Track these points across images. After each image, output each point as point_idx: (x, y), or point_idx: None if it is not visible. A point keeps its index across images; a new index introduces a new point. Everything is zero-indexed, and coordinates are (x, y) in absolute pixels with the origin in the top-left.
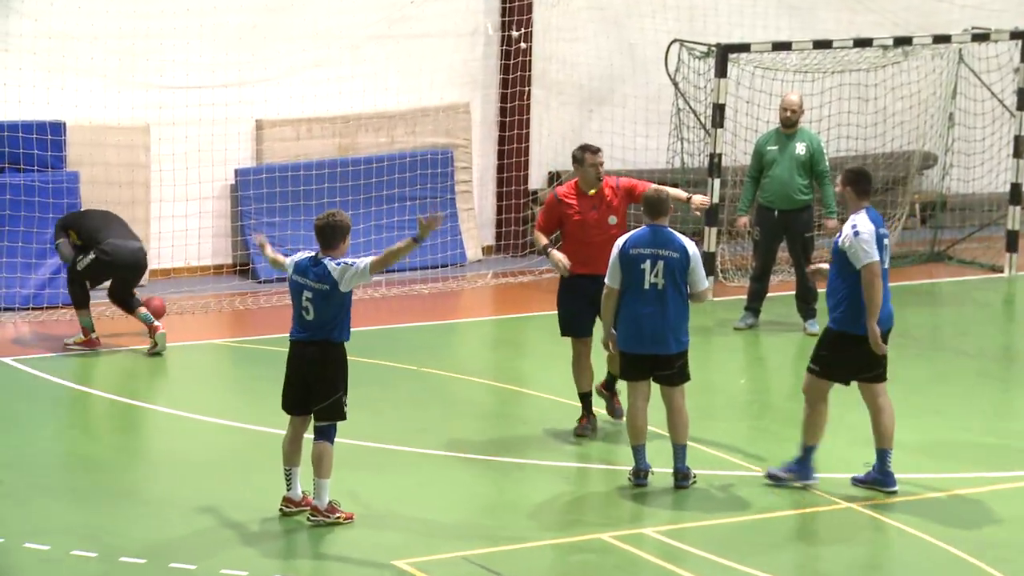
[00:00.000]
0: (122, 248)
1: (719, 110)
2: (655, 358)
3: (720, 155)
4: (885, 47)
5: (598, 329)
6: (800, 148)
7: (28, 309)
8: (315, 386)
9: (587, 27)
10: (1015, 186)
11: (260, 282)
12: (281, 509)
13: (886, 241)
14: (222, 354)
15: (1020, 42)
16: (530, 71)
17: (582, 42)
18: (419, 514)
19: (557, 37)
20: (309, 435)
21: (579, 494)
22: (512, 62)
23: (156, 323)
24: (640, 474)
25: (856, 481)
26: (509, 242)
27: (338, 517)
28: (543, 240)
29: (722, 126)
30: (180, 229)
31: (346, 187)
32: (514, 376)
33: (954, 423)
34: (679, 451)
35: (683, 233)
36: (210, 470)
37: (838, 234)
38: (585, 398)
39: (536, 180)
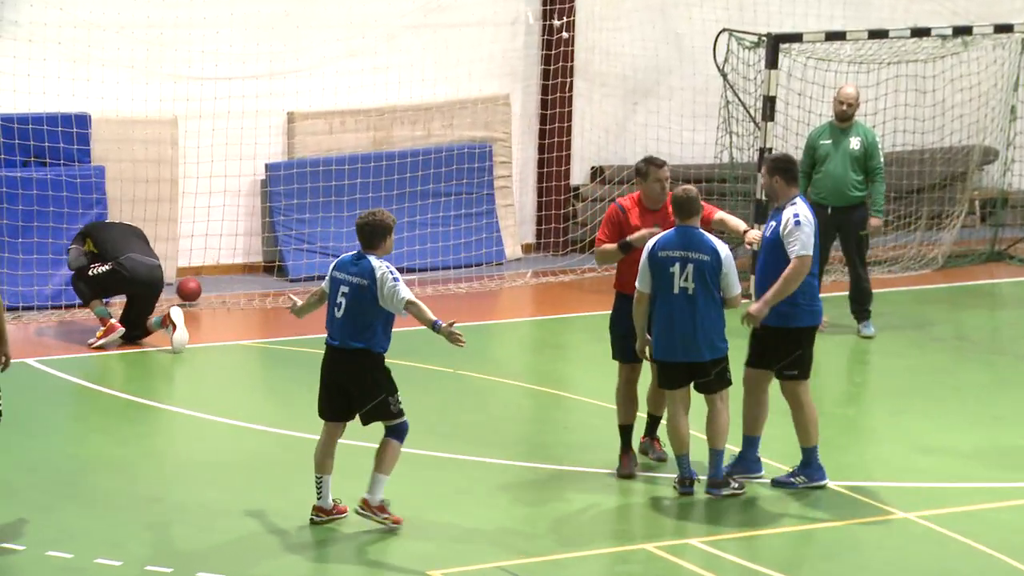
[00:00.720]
0: (139, 264)
1: (770, 103)
2: (690, 366)
3: (770, 149)
4: (944, 37)
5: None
6: (855, 143)
7: (50, 308)
8: (355, 393)
9: (632, 16)
10: None
11: (291, 281)
12: (312, 518)
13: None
14: (251, 356)
15: None
16: (572, 62)
17: (626, 32)
18: (454, 522)
19: (600, 26)
20: (343, 440)
21: (621, 503)
22: (554, 52)
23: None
24: (686, 482)
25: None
26: (550, 240)
27: (386, 518)
28: (611, 246)
29: (772, 119)
30: (208, 225)
31: (380, 182)
32: (555, 379)
33: (1015, 430)
34: (713, 456)
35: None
36: (239, 475)
37: (771, 223)
38: (625, 431)
39: (578, 175)
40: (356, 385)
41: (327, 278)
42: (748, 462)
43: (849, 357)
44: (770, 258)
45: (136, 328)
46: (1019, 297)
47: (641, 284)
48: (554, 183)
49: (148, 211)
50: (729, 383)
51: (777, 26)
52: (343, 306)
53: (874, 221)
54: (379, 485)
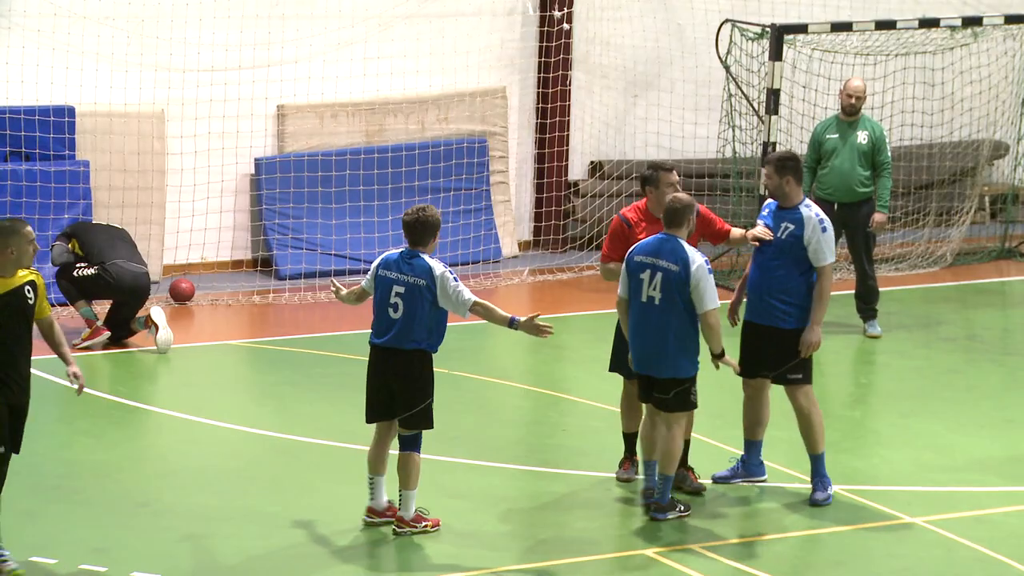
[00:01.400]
0: (125, 272)
1: (774, 95)
2: (649, 380)
3: (775, 143)
4: (953, 28)
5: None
6: (862, 137)
7: None
8: (401, 395)
9: (632, 6)
10: None
11: (281, 279)
12: (364, 519)
13: None
14: (241, 356)
15: None
16: (571, 53)
17: (627, 22)
18: (449, 526)
19: (600, 17)
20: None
21: (622, 506)
22: (552, 44)
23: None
24: (648, 493)
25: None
26: (548, 237)
27: (425, 526)
28: (618, 265)
29: (777, 112)
30: (196, 220)
31: (372, 177)
32: (553, 381)
33: None
34: (661, 481)
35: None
36: (228, 479)
37: (786, 225)
38: (629, 438)
39: (577, 170)
40: (405, 387)
41: (370, 276)
42: (751, 466)
43: (855, 357)
44: (786, 260)
45: (121, 329)
46: None
47: (621, 288)
48: (552, 178)
49: (134, 207)
50: (691, 407)
51: (781, 16)
52: (400, 307)
53: (879, 216)
54: (411, 501)
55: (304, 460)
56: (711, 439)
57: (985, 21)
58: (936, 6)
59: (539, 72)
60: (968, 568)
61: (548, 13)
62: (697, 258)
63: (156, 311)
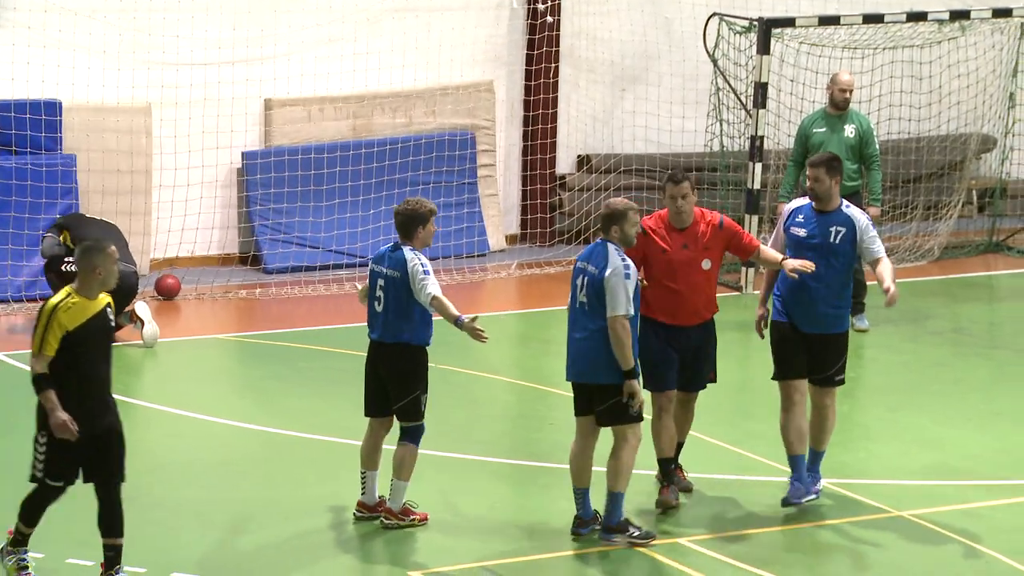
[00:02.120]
0: None
1: (761, 89)
2: (587, 388)
3: (762, 138)
4: (941, 21)
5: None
6: (849, 130)
7: (22, 301)
8: (391, 386)
9: (619, 0)
10: None
11: (268, 273)
12: (355, 514)
13: None
14: (228, 350)
15: None
16: (558, 47)
17: (614, 16)
18: (436, 520)
19: (587, 11)
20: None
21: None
22: (539, 37)
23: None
24: (578, 522)
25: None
26: (535, 230)
27: (413, 519)
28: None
29: (764, 106)
30: (183, 216)
31: (360, 171)
32: (540, 374)
33: (1014, 426)
34: (610, 499)
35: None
36: (216, 473)
37: (838, 229)
38: (665, 464)
39: (564, 164)
40: (394, 379)
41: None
42: (815, 472)
43: None
44: (841, 265)
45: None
46: (1018, 289)
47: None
48: (539, 172)
49: (121, 201)
50: (627, 421)
51: (769, 10)
52: (382, 300)
53: (873, 210)
54: (401, 493)
55: (292, 454)
56: (708, 437)
57: (973, 15)
58: (923, 0)
59: (526, 66)
60: (955, 561)
61: (534, 7)
62: (616, 263)
63: (141, 306)
